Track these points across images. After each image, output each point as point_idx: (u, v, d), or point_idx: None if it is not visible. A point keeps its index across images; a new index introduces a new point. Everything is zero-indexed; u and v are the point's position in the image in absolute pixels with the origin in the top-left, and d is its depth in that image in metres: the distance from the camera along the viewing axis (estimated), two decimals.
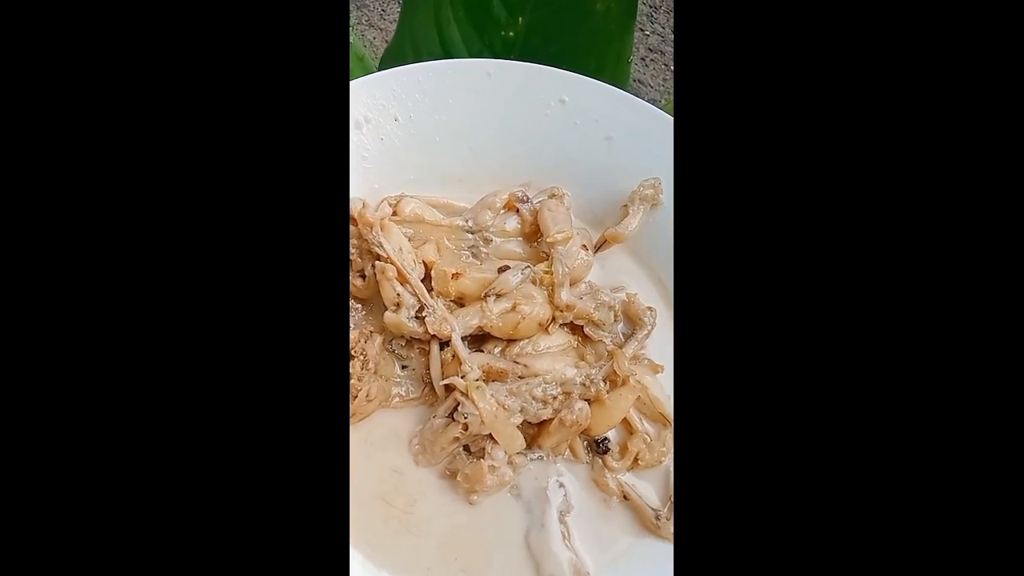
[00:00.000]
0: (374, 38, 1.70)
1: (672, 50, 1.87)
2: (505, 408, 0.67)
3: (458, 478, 0.68)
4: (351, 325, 0.71)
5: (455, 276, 0.71)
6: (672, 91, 1.79)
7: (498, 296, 0.70)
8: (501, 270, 0.71)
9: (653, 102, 1.59)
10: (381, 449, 0.70)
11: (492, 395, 0.67)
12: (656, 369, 0.73)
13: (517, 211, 0.77)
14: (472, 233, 0.76)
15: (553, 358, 0.71)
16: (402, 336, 0.71)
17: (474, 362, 0.68)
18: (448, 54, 0.93)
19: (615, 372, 0.70)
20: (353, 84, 0.75)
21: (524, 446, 0.69)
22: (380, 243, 0.70)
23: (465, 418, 0.66)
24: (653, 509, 0.69)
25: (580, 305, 0.72)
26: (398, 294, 0.69)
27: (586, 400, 0.69)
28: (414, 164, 0.79)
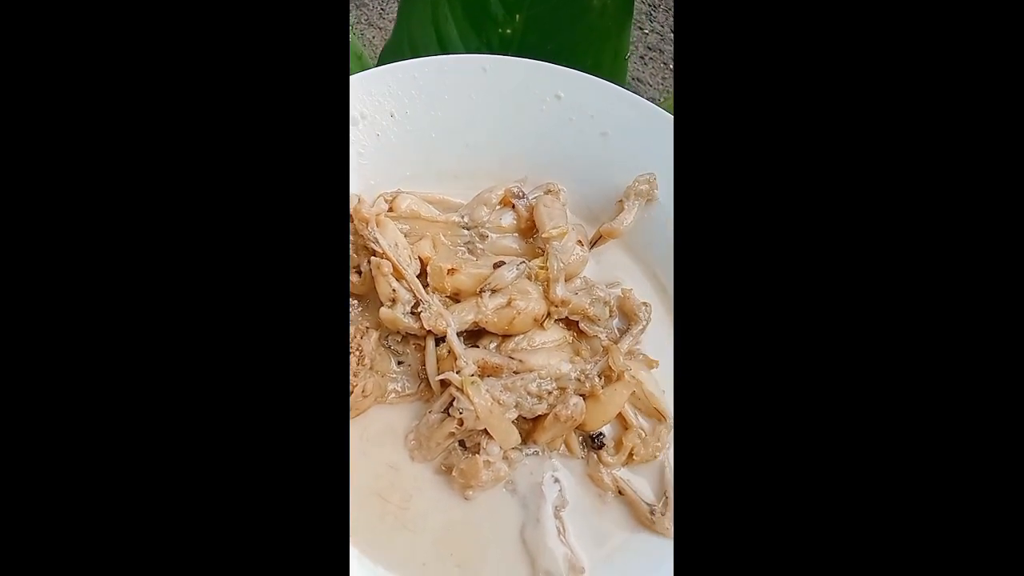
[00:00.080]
0: (373, 37, 1.70)
1: (671, 48, 1.88)
2: (500, 403, 0.67)
3: (453, 473, 0.68)
4: None
5: (451, 272, 0.71)
6: (671, 89, 1.80)
7: (493, 292, 0.70)
8: (496, 266, 0.72)
9: (652, 100, 1.60)
10: (377, 445, 0.70)
11: (487, 390, 0.67)
12: (651, 364, 0.74)
13: (513, 207, 0.77)
14: (468, 229, 0.76)
15: (548, 353, 0.71)
16: (398, 332, 0.71)
17: (469, 357, 0.68)
18: (445, 52, 0.93)
19: (610, 367, 0.70)
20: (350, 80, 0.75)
21: (519, 441, 0.69)
22: (376, 239, 0.70)
23: (460, 413, 0.66)
24: (648, 504, 0.69)
25: (575, 300, 0.72)
26: (394, 290, 0.69)
27: (581, 395, 0.69)
28: (410, 160, 0.79)
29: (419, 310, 0.69)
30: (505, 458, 0.68)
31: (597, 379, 0.69)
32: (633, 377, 0.71)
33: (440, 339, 0.70)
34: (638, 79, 1.82)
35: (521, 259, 0.73)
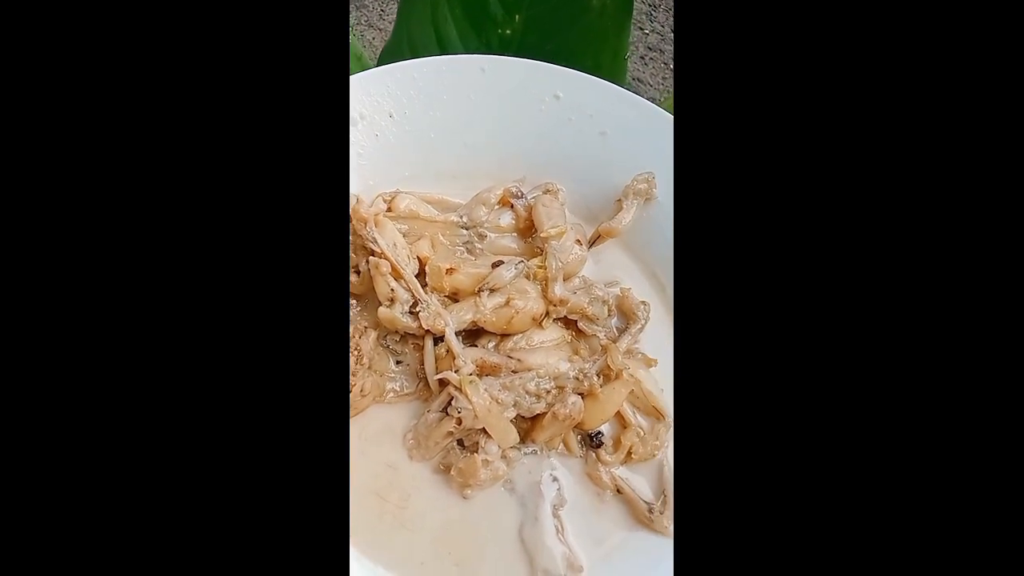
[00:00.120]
0: (373, 38, 1.70)
1: (671, 48, 1.88)
2: (498, 402, 0.67)
3: (452, 472, 0.68)
4: None
5: (449, 271, 0.71)
6: (671, 89, 1.80)
7: (492, 291, 0.71)
8: (495, 265, 0.72)
9: (652, 100, 1.60)
10: (375, 444, 0.70)
11: (486, 389, 0.67)
12: (650, 363, 0.74)
13: (511, 207, 0.77)
14: (467, 229, 0.76)
15: (547, 352, 0.71)
16: (396, 331, 0.71)
17: (468, 357, 0.68)
18: (445, 52, 0.93)
19: (608, 366, 0.70)
20: None
21: (518, 440, 0.69)
22: (374, 239, 0.70)
23: (459, 412, 0.66)
24: (646, 503, 0.69)
25: (574, 300, 0.72)
26: (392, 289, 0.69)
27: (579, 394, 0.69)
28: (409, 160, 0.79)
29: (417, 309, 0.69)
30: (503, 457, 0.68)
31: (595, 378, 0.69)
32: (631, 376, 0.71)
33: (438, 338, 0.70)
34: (638, 79, 1.82)
35: (519, 259, 0.74)
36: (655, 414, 0.72)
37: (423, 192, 0.78)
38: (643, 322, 0.75)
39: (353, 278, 0.72)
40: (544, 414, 0.69)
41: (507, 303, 0.70)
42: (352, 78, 0.75)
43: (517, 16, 0.95)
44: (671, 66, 1.84)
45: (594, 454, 0.71)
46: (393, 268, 0.69)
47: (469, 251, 0.75)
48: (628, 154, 0.78)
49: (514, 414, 0.68)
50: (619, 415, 0.71)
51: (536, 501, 0.69)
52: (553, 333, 0.73)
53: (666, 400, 0.72)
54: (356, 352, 0.69)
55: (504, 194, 0.77)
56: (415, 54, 0.93)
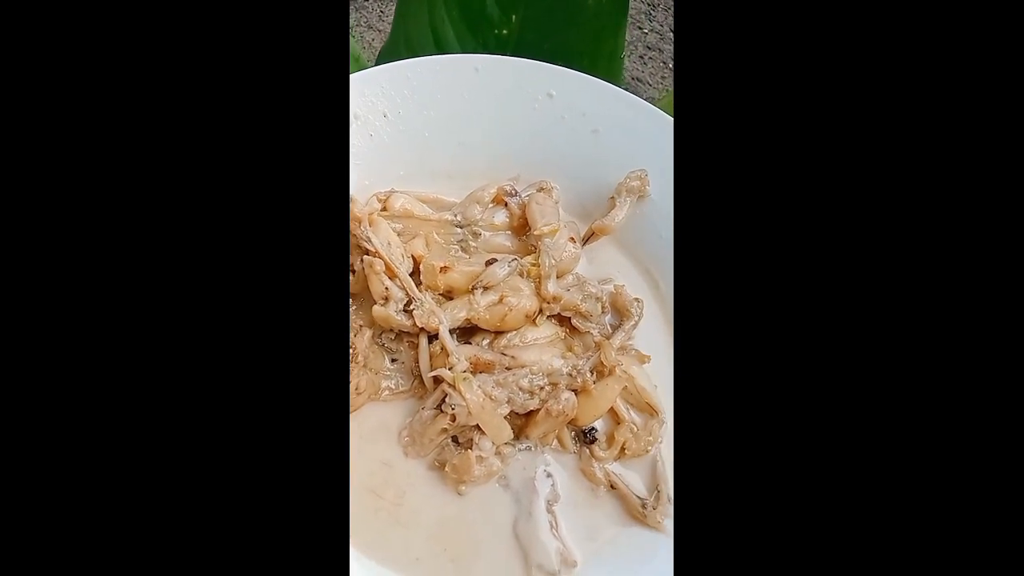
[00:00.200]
0: (373, 39, 1.71)
1: (670, 48, 1.88)
2: (492, 399, 0.67)
3: (447, 469, 0.68)
4: None
5: (443, 270, 0.71)
6: (670, 88, 1.80)
7: (485, 289, 0.71)
8: (489, 263, 0.72)
9: (651, 99, 1.60)
10: (371, 442, 0.71)
11: (479, 386, 0.67)
12: (643, 359, 0.74)
13: (505, 205, 0.78)
14: (461, 227, 0.77)
15: (540, 349, 0.72)
16: (391, 330, 0.72)
17: (461, 354, 0.68)
18: (442, 53, 0.94)
19: (602, 363, 0.70)
20: None
21: (512, 436, 0.69)
22: (368, 238, 0.70)
23: (453, 409, 0.67)
24: (640, 498, 0.69)
25: (567, 297, 0.72)
26: (386, 288, 0.70)
27: (573, 390, 0.69)
28: (403, 160, 0.80)
29: (412, 308, 0.70)
30: (498, 453, 0.69)
31: (589, 374, 0.70)
32: (625, 372, 0.71)
33: (433, 336, 0.70)
34: (637, 79, 1.83)
35: (513, 256, 0.74)
36: (648, 410, 0.72)
37: (418, 191, 0.79)
38: (636, 319, 0.75)
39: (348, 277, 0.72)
40: (538, 410, 0.69)
41: (501, 300, 0.70)
42: None
43: (513, 16, 0.96)
44: (670, 65, 1.84)
45: (588, 450, 0.71)
46: (387, 267, 0.70)
47: (464, 249, 0.76)
48: (621, 152, 0.78)
49: (508, 411, 0.68)
50: (613, 411, 0.72)
51: (530, 497, 0.69)
52: (547, 330, 0.73)
53: (659, 396, 0.73)
54: (351, 350, 0.69)
55: (498, 192, 0.77)
56: (412, 55, 0.93)
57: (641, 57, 1.91)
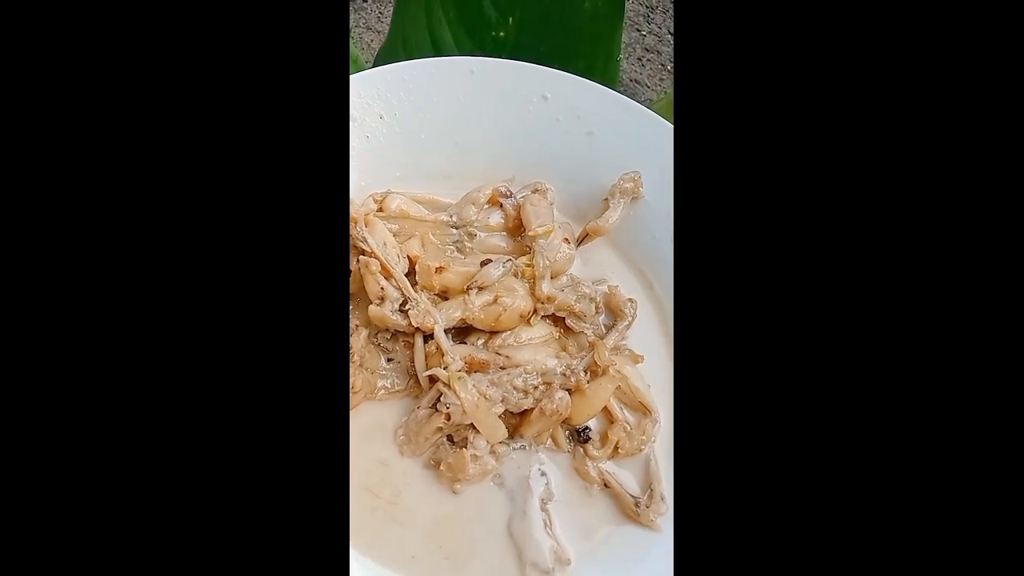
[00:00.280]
0: (372, 41, 1.71)
1: (668, 50, 1.89)
2: (486, 398, 0.68)
3: (442, 467, 0.69)
4: None
5: (439, 270, 0.72)
6: (667, 90, 1.81)
7: (480, 289, 0.72)
8: (484, 263, 0.73)
9: (649, 101, 1.60)
10: (367, 441, 0.71)
11: (474, 385, 0.68)
12: (636, 359, 0.75)
13: (501, 206, 0.78)
14: (456, 228, 0.77)
15: (535, 349, 0.72)
16: (387, 329, 0.73)
17: (456, 353, 0.69)
18: (440, 55, 0.95)
19: (596, 362, 0.71)
20: None
21: (506, 435, 0.70)
22: (364, 238, 0.71)
23: (448, 408, 0.67)
24: (633, 496, 0.70)
25: (561, 297, 0.73)
26: (382, 288, 0.70)
27: (567, 390, 0.70)
28: (399, 161, 0.80)
29: (407, 308, 0.70)
30: (492, 452, 0.69)
31: (583, 374, 0.70)
32: (618, 372, 0.72)
33: (428, 336, 0.71)
34: (636, 80, 1.84)
35: (508, 257, 0.75)
36: (642, 409, 0.73)
37: (414, 192, 0.80)
38: (630, 319, 0.76)
39: None
40: (532, 410, 0.70)
41: (495, 301, 0.71)
42: None
43: (511, 18, 0.96)
44: (668, 67, 1.85)
45: (582, 449, 0.72)
46: (383, 267, 0.70)
47: (459, 250, 0.76)
48: (615, 154, 0.79)
49: (502, 410, 0.69)
50: (606, 410, 0.72)
51: (524, 495, 0.70)
52: (541, 330, 0.74)
53: (653, 396, 0.73)
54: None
55: (493, 194, 0.78)
56: (410, 56, 0.94)
57: (639, 59, 1.92)
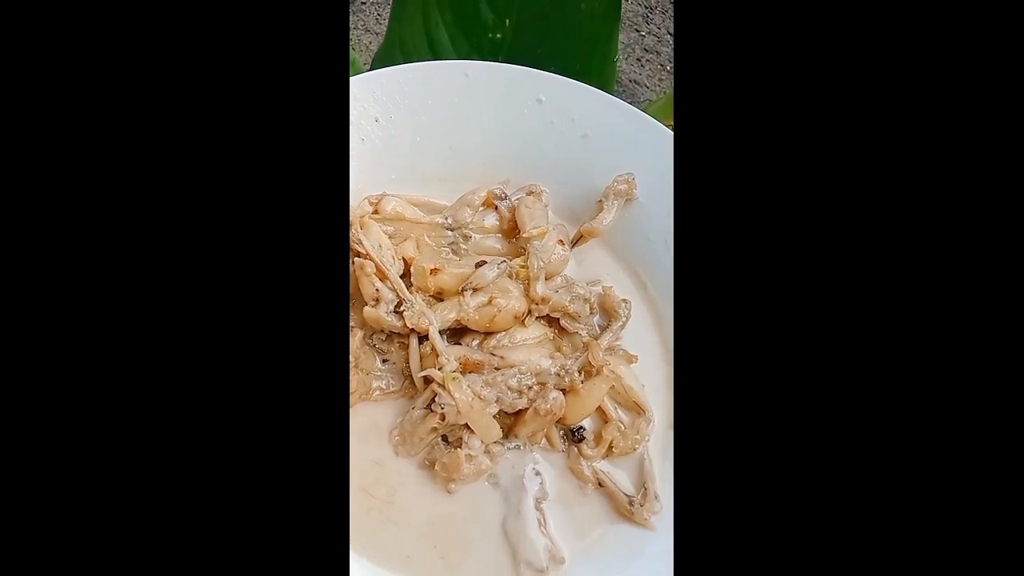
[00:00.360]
0: (370, 42, 1.72)
1: (667, 50, 1.89)
2: (481, 398, 0.69)
3: (436, 467, 0.69)
4: None
5: (434, 272, 0.72)
6: (666, 91, 1.81)
7: (475, 290, 0.72)
8: (478, 265, 0.73)
9: (649, 102, 1.60)
10: (362, 441, 0.72)
11: (468, 386, 0.68)
12: (630, 359, 0.75)
13: (496, 208, 0.79)
14: (452, 230, 0.78)
15: (529, 350, 0.73)
16: (382, 331, 0.73)
17: (451, 354, 0.70)
18: (437, 57, 0.95)
19: (590, 362, 0.71)
20: None
21: (501, 435, 0.70)
22: (360, 240, 0.72)
23: (442, 408, 0.68)
24: (627, 495, 0.70)
25: (555, 298, 0.74)
26: (377, 289, 0.71)
27: (561, 390, 0.71)
28: (395, 164, 0.81)
29: (402, 309, 0.71)
30: (487, 452, 0.70)
31: (577, 374, 0.71)
32: (612, 372, 0.73)
33: (423, 337, 0.71)
34: (635, 81, 1.84)
35: (503, 258, 0.75)
36: (636, 409, 0.73)
37: (409, 194, 0.80)
38: (624, 319, 0.76)
39: None
40: (526, 410, 0.70)
41: (490, 302, 0.72)
42: None
43: (507, 20, 0.96)
44: (667, 68, 1.86)
45: (576, 448, 0.72)
46: (378, 268, 0.71)
47: (454, 252, 0.77)
48: (609, 156, 0.80)
49: (496, 410, 0.69)
50: (600, 410, 0.73)
51: (519, 495, 0.70)
52: (535, 331, 0.74)
53: (646, 395, 0.74)
54: None
55: (488, 196, 0.78)
56: (407, 59, 0.95)
57: (638, 59, 1.92)
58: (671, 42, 1.89)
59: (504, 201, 0.78)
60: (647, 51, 1.94)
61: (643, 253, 0.79)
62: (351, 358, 0.71)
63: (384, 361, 0.74)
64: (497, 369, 0.71)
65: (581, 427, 0.73)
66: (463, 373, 0.70)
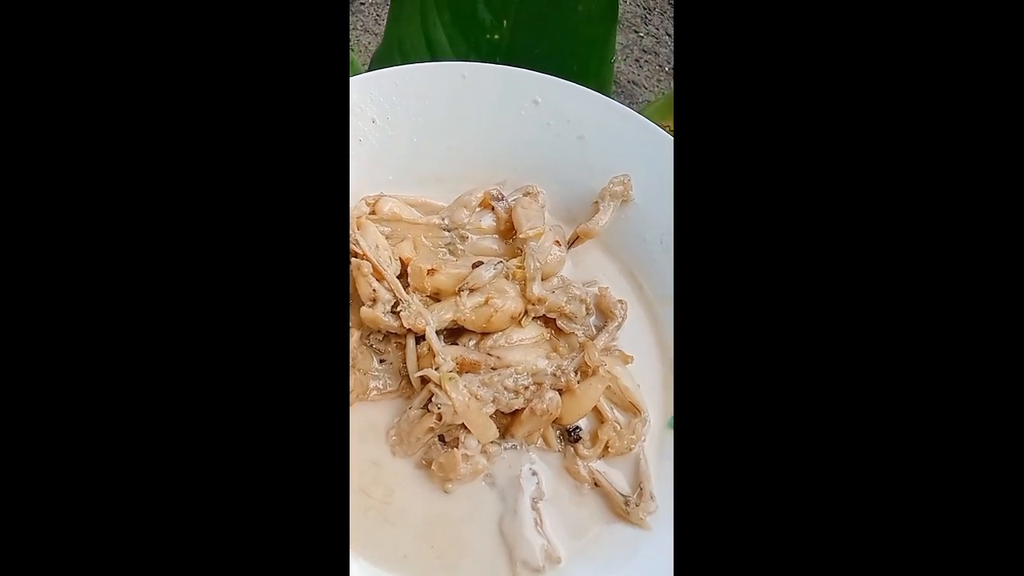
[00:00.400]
0: (369, 43, 1.72)
1: (666, 51, 1.90)
2: (478, 398, 0.69)
3: (433, 467, 0.70)
4: None
5: (431, 272, 0.73)
6: (664, 91, 1.82)
7: (471, 291, 0.73)
8: (475, 266, 0.74)
9: (647, 103, 1.60)
10: (360, 441, 0.72)
11: (465, 386, 0.69)
12: (626, 360, 0.75)
13: (493, 209, 0.79)
14: (449, 231, 0.78)
15: (525, 350, 0.73)
16: (379, 331, 0.73)
17: (448, 354, 0.70)
18: (435, 58, 0.95)
19: (586, 363, 0.72)
20: None
21: (497, 435, 0.71)
22: (356, 241, 0.72)
23: (439, 408, 0.68)
24: (623, 495, 0.71)
25: (552, 298, 0.74)
26: (374, 290, 0.71)
27: (557, 390, 0.71)
28: (392, 165, 0.81)
29: (399, 309, 0.71)
30: (483, 452, 0.70)
31: (573, 374, 0.71)
32: (608, 372, 0.73)
33: (420, 337, 0.71)
34: (633, 82, 1.85)
35: (499, 259, 0.75)
36: (632, 409, 0.74)
37: (406, 195, 0.80)
38: (620, 320, 0.77)
39: None
40: (523, 410, 0.70)
41: (486, 302, 0.72)
42: None
43: (505, 21, 0.97)
44: (666, 69, 1.86)
45: (572, 448, 0.72)
46: (375, 269, 0.71)
47: (451, 252, 0.77)
48: (605, 157, 0.80)
49: (493, 410, 0.70)
50: (596, 410, 0.73)
51: (515, 494, 0.71)
52: (532, 331, 0.75)
53: (642, 395, 0.74)
54: None
55: (485, 197, 0.79)
56: (405, 60, 0.95)
57: (637, 60, 1.92)
58: (669, 43, 1.90)
59: (501, 202, 0.78)
60: (645, 52, 1.94)
61: (639, 254, 0.79)
62: (349, 358, 0.71)
63: (381, 361, 0.74)
64: (494, 369, 0.71)
65: (577, 427, 0.73)
66: (460, 373, 0.70)
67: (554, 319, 0.76)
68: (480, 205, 0.79)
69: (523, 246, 0.75)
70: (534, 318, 0.75)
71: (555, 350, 0.75)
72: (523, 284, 0.74)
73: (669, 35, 1.90)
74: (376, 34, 1.76)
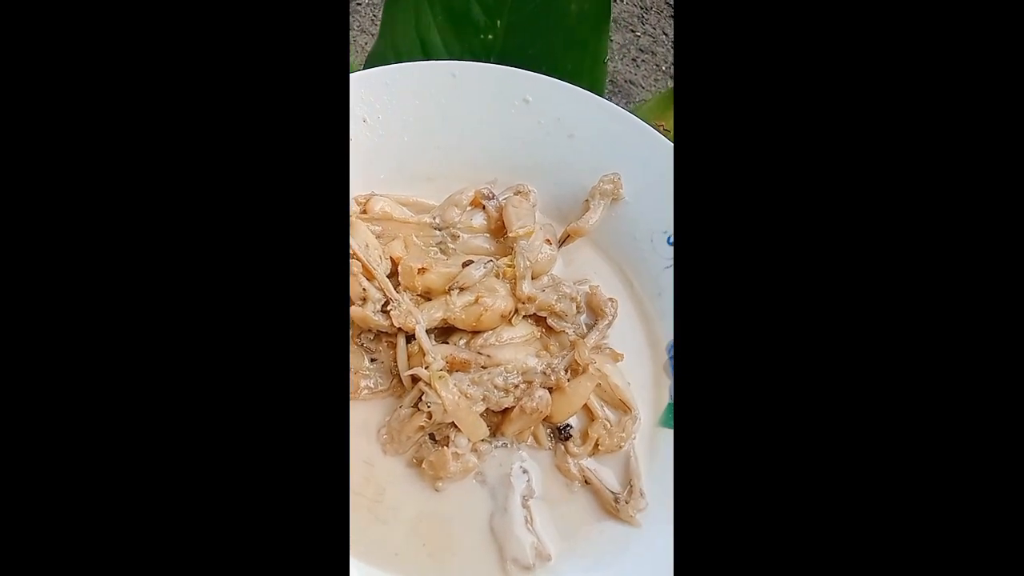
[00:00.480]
0: (366, 43, 1.73)
1: (663, 51, 1.90)
2: (468, 397, 0.69)
3: (424, 466, 0.70)
4: None
5: (421, 271, 0.73)
6: (661, 90, 1.82)
7: (462, 289, 0.73)
8: (465, 264, 0.74)
9: (644, 102, 1.60)
10: (351, 440, 0.72)
11: (455, 385, 0.69)
12: (616, 358, 0.75)
13: (483, 208, 0.79)
14: (440, 230, 0.78)
15: (516, 348, 0.73)
16: (370, 330, 0.74)
17: (438, 353, 0.70)
18: (429, 58, 0.95)
19: (576, 361, 0.72)
20: None
21: (487, 433, 0.71)
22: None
23: (429, 407, 0.68)
24: (613, 493, 0.71)
25: (542, 297, 0.74)
26: (364, 289, 0.71)
27: (547, 388, 0.71)
28: (383, 164, 0.81)
29: (389, 308, 0.71)
30: (474, 450, 0.71)
31: (563, 372, 0.71)
32: (598, 370, 0.73)
33: (411, 336, 0.72)
34: (630, 81, 1.85)
35: (489, 258, 0.75)
36: (622, 407, 0.74)
37: (397, 194, 0.81)
38: (611, 318, 0.77)
39: None
40: (513, 408, 0.71)
41: (476, 301, 0.72)
42: None
43: (498, 22, 0.97)
44: (663, 68, 1.87)
45: (563, 446, 0.73)
46: (365, 268, 0.71)
47: (442, 251, 0.77)
48: (595, 156, 0.80)
49: (483, 408, 0.70)
50: (587, 408, 0.73)
51: (506, 492, 0.71)
52: (522, 330, 0.75)
53: (633, 393, 0.74)
54: None
55: (476, 196, 0.79)
56: (399, 60, 0.95)
57: (634, 60, 1.93)
58: (666, 42, 1.90)
59: (492, 201, 0.79)
60: (642, 51, 1.94)
61: (629, 252, 0.79)
62: None
63: (372, 360, 0.74)
64: (484, 368, 0.71)
65: (568, 425, 0.73)
66: (450, 372, 0.70)
67: (544, 317, 0.76)
68: (471, 204, 0.79)
69: (514, 245, 0.76)
70: (524, 316, 0.75)
71: (545, 348, 0.75)
72: (513, 283, 0.74)
73: (666, 34, 1.90)
74: (373, 34, 1.76)
